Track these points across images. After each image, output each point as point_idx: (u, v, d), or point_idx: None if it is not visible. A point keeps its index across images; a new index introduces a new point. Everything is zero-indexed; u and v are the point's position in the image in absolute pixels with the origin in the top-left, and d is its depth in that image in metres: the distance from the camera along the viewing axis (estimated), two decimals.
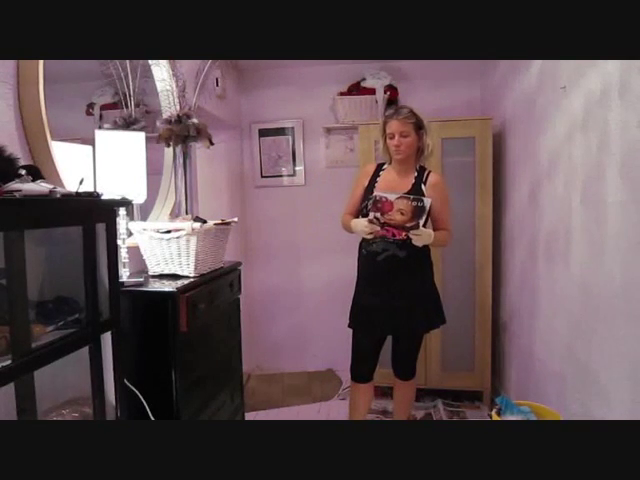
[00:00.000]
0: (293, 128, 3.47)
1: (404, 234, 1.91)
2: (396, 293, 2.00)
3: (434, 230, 2.02)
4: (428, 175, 2.05)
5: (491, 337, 2.82)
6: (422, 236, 1.90)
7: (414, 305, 2.02)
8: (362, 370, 2.15)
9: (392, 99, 3.24)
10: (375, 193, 1.93)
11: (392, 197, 1.88)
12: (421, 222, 1.89)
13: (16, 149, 1.26)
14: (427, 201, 1.87)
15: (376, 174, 2.11)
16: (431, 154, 2.09)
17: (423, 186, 2.02)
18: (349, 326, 2.12)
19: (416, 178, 2.04)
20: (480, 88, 3.28)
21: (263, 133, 3.52)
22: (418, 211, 1.87)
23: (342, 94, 3.28)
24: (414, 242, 1.91)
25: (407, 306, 2.01)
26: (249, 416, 2.67)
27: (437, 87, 3.29)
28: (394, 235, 1.94)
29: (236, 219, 1.95)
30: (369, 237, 1.97)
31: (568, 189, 1.79)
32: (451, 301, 2.84)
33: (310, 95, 3.42)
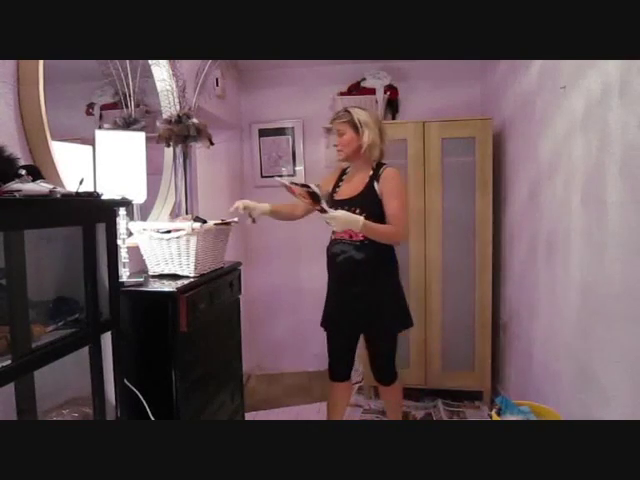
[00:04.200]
0: (293, 128, 3.47)
1: (361, 235, 1.89)
2: (356, 295, 1.98)
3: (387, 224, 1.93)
4: (383, 171, 1.97)
5: (491, 337, 2.82)
6: (337, 219, 1.78)
7: (374, 307, 1.98)
8: (338, 370, 2.16)
9: (392, 99, 3.24)
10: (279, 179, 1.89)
11: (287, 183, 1.83)
12: (326, 206, 1.78)
13: (16, 149, 1.26)
14: (315, 187, 1.75)
15: (339, 179, 2.11)
16: (374, 147, 1.96)
17: (376, 184, 1.94)
18: (321, 325, 2.14)
19: (370, 177, 1.98)
20: (480, 88, 3.28)
21: (263, 133, 3.52)
22: (315, 196, 1.76)
23: (342, 94, 3.27)
24: (333, 227, 1.83)
25: (367, 308, 1.98)
26: (249, 416, 2.67)
27: (437, 87, 3.29)
28: (351, 236, 1.95)
29: (237, 219, 1.95)
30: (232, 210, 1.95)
31: (568, 189, 1.79)
32: (451, 301, 2.85)
33: (310, 95, 3.42)
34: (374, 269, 1.96)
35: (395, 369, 2.15)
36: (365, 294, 1.96)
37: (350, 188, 2.01)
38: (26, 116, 1.33)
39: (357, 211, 1.87)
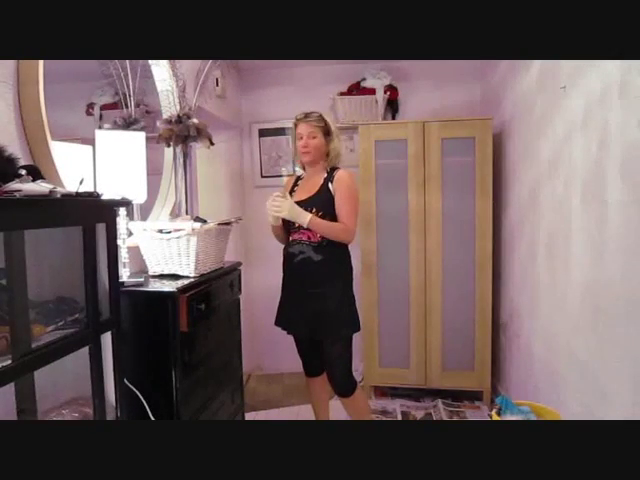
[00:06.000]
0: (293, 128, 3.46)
1: (319, 236, 1.95)
2: (310, 296, 1.97)
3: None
4: (336, 172, 2.03)
5: (491, 337, 2.82)
6: (282, 206, 1.91)
7: (326, 309, 1.97)
8: (307, 367, 2.21)
9: (392, 99, 3.24)
10: None
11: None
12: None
13: (16, 149, 1.26)
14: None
15: (294, 184, 2.15)
16: (338, 156, 2.07)
17: (330, 184, 2.00)
18: (275, 324, 2.14)
19: (325, 179, 2.03)
20: (480, 88, 3.28)
21: (263, 133, 3.52)
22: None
23: (342, 94, 3.28)
24: (275, 212, 1.93)
25: (319, 310, 1.96)
26: (249, 416, 2.67)
27: (437, 87, 3.29)
28: (309, 238, 1.97)
29: (241, 217, 1.97)
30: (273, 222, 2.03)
31: (568, 189, 1.79)
32: (451, 301, 2.85)
33: (310, 95, 3.41)
34: (331, 271, 2.00)
35: (353, 378, 2.08)
36: (318, 295, 1.97)
37: (305, 190, 2.05)
38: (26, 116, 1.33)
39: (313, 210, 1.94)
